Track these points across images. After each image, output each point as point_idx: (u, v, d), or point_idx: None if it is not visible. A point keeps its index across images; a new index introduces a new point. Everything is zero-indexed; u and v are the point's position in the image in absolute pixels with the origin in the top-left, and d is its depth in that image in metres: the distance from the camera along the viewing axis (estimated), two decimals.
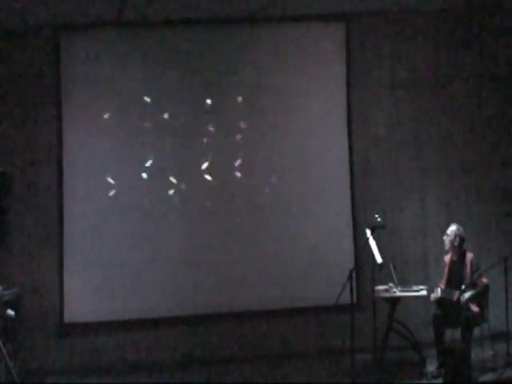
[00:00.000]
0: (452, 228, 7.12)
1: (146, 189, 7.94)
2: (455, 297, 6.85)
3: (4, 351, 5.84)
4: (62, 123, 7.88)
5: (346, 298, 6.48)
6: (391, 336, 7.10)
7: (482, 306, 6.88)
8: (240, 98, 8.11)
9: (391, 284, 7.09)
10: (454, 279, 7.02)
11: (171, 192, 7.96)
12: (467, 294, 6.82)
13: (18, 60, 7.85)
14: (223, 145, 8.06)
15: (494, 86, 8.35)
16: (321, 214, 8.08)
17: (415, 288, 7.21)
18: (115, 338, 7.79)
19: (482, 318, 6.87)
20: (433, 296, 7.03)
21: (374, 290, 6.97)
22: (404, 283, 7.35)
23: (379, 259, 6.97)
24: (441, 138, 8.30)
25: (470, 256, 7.07)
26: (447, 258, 7.20)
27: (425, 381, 6.71)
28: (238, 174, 8.07)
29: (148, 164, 7.95)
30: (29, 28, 7.80)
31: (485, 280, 6.92)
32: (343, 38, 8.23)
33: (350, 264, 7.56)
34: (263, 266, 7.97)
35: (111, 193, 7.90)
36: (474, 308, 6.84)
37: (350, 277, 6.52)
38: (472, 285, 6.87)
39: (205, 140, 8.03)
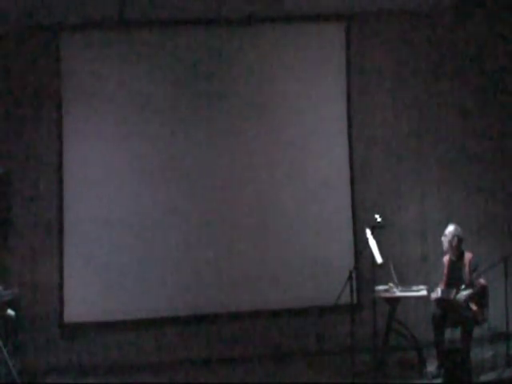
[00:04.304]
0: (449, 229, 7.11)
1: (146, 188, 7.94)
2: (451, 295, 6.84)
3: (4, 351, 5.84)
4: (62, 123, 7.88)
5: (346, 298, 6.48)
6: (391, 336, 7.10)
7: (482, 306, 6.87)
8: (240, 98, 8.10)
9: (391, 284, 7.09)
10: (454, 280, 7.01)
11: (172, 192, 7.96)
12: (464, 293, 6.81)
13: (18, 60, 7.85)
14: (224, 145, 8.06)
15: (495, 84, 8.35)
16: (321, 214, 8.08)
17: (415, 288, 7.21)
18: (115, 338, 7.79)
19: (481, 317, 6.86)
20: (433, 296, 7.02)
21: (374, 290, 6.98)
22: (404, 283, 7.35)
23: (379, 259, 6.96)
24: (441, 139, 8.29)
25: (468, 256, 7.06)
26: (446, 258, 7.19)
27: (425, 381, 6.71)
28: (238, 175, 8.06)
29: (148, 163, 7.95)
30: (29, 28, 7.80)
31: (482, 281, 6.88)
32: (343, 38, 8.24)
33: (350, 264, 7.56)
34: (263, 266, 7.97)
35: (111, 193, 7.89)
36: (474, 308, 6.84)
37: (350, 277, 6.52)
38: (471, 285, 6.87)
39: (205, 140, 8.04)
